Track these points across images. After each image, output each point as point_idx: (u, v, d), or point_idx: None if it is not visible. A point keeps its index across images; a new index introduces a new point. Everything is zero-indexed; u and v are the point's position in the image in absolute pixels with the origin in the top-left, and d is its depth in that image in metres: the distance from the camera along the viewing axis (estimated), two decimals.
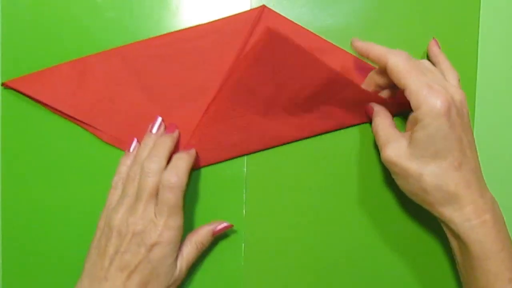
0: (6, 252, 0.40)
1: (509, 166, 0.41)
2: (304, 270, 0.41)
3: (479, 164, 0.34)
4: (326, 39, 0.39)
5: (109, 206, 0.36)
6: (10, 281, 0.40)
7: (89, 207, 0.39)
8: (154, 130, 0.38)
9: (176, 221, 0.34)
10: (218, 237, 0.40)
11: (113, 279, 0.34)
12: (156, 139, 0.37)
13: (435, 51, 0.38)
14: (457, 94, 0.33)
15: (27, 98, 0.39)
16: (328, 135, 0.40)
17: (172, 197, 0.34)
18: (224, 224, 0.38)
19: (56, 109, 0.39)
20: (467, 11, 0.40)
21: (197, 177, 0.40)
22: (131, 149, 0.38)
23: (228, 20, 0.39)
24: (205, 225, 0.38)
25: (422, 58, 0.40)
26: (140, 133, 0.39)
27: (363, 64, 0.39)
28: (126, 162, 0.38)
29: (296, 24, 0.39)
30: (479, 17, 0.40)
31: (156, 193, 0.35)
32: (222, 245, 0.40)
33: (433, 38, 0.39)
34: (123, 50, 0.39)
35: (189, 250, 0.37)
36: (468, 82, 0.40)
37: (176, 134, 0.38)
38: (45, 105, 0.39)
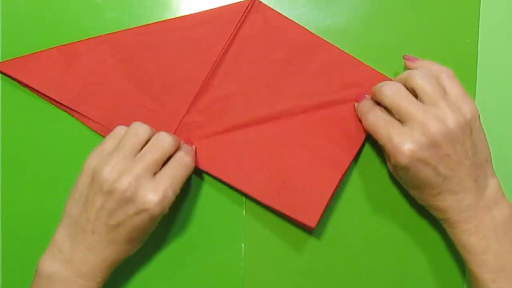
0: (6, 250, 0.40)
1: (509, 166, 0.41)
2: (305, 271, 0.41)
3: (469, 178, 0.34)
4: (325, 39, 0.39)
5: (102, 151, 0.35)
6: (10, 281, 0.40)
7: None
8: None
9: (171, 194, 0.34)
10: (218, 237, 0.40)
11: (99, 232, 0.34)
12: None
13: (411, 65, 0.37)
14: (432, 127, 0.32)
15: (27, 90, 0.39)
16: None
17: (182, 172, 0.35)
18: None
19: (42, 94, 0.39)
20: (467, 11, 0.40)
21: (197, 176, 0.40)
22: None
23: (217, 11, 0.39)
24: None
25: (421, 57, 0.40)
26: (126, 121, 0.38)
27: (353, 60, 0.39)
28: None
29: (286, 17, 0.39)
30: (479, 17, 0.40)
31: (161, 163, 0.34)
32: (222, 245, 0.40)
33: (403, 56, 0.38)
34: (112, 38, 0.39)
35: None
36: (468, 81, 0.40)
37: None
38: (32, 89, 0.39)
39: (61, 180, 0.40)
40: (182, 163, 0.35)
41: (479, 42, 0.40)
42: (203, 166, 0.39)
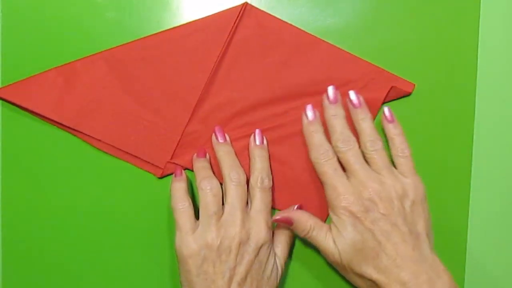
0: (6, 254, 0.40)
1: (509, 166, 0.41)
2: (304, 270, 0.41)
3: (407, 245, 0.34)
4: (326, 39, 0.39)
5: (187, 230, 0.35)
6: (10, 281, 0.40)
7: (84, 210, 0.40)
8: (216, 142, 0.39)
9: (270, 219, 0.37)
10: None
11: None
12: (219, 149, 0.38)
13: (384, 123, 0.38)
14: (370, 186, 0.34)
15: (27, 113, 0.39)
16: None
17: (269, 196, 0.37)
18: (296, 209, 0.38)
19: (43, 116, 0.39)
20: (467, 11, 0.40)
21: None
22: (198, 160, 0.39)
23: (210, 18, 0.39)
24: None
25: (421, 57, 0.40)
26: (128, 136, 0.39)
27: (350, 56, 0.39)
28: (181, 185, 0.37)
29: (279, 18, 0.39)
30: (479, 17, 0.40)
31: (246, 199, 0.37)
32: None
33: (384, 109, 0.38)
34: (108, 54, 0.39)
35: (282, 249, 0.38)
36: (468, 81, 0.40)
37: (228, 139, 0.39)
38: (32, 112, 0.39)
39: (66, 201, 0.40)
40: (266, 190, 0.37)
41: (479, 42, 0.40)
42: None
